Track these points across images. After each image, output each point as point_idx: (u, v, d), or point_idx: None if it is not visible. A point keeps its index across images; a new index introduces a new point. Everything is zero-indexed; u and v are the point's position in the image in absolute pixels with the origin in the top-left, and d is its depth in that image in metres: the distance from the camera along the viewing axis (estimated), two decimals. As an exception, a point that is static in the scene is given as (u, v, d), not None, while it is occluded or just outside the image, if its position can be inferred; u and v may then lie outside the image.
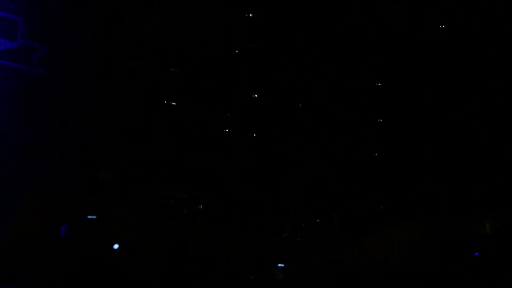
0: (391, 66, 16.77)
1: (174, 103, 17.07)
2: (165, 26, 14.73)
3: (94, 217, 11.30)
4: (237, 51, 16.71)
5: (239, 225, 15.98)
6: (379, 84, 16.88)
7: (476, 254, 13.41)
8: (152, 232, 11.90)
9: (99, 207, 11.72)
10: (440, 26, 15.46)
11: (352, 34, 16.49)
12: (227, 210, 16.88)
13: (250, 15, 16.07)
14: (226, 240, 14.89)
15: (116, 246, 11.17)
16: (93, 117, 13.97)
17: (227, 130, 17.29)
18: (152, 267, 11.18)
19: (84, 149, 13.99)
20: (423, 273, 12.62)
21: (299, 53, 16.61)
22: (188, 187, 17.04)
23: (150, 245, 11.46)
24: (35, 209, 10.96)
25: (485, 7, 14.84)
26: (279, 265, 12.03)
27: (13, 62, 12.60)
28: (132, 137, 15.09)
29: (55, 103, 13.43)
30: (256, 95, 17.25)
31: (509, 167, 14.53)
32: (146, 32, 14.29)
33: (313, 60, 17.02)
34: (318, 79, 17.10)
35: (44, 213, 10.98)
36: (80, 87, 13.86)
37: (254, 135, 17.60)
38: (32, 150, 12.64)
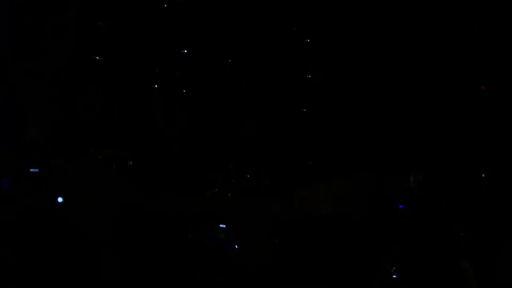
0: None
1: (102, 59, 16.77)
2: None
3: (36, 170, 11.08)
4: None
5: (169, 182, 16.06)
6: (308, 40, 17.08)
7: (401, 206, 14.07)
8: (98, 187, 11.78)
9: (40, 159, 11.49)
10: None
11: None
12: (156, 166, 16.90)
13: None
14: (158, 197, 14.98)
15: (60, 200, 10.99)
16: (21, 72, 13.59)
17: (156, 86, 17.20)
18: (102, 224, 11.12)
19: (8, 107, 13.64)
20: (353, 226, 13.13)
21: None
22: (116, 144, 16.91)
23: (98, 201, 11.35)
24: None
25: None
26: (221, 225, 12.15)
27: None
28: (60, 94, 14.77)
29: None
30: (185, 51, 17.16)
31: (433, 124, 15.16)
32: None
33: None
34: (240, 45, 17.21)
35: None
36: (6, 42, 13.41)
37: (184, 91, 17.58)
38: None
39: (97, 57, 15.72)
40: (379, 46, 16.25)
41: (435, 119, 15.19)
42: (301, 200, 14.35)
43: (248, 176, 17.13)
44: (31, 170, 11.03)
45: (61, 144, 14.48)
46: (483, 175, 14.78)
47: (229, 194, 16.68)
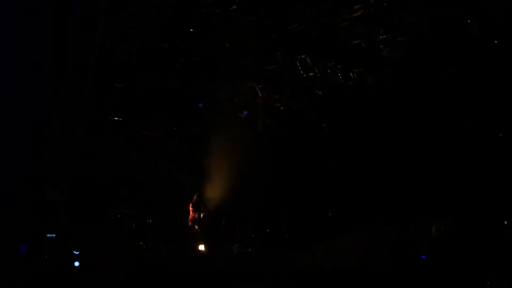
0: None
1: (120, 119, 17.02)
2: (110, 41, 14.58)
3: (53, 235, 11.16)
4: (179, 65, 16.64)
5: (189, 238, 16.02)
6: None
7: (424, 257, 13.90)
8: (111, 248, 11.80)
9: (57, 225, 11.56)
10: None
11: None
12: (177, 224, 16.95)
13: (191, 30, 15.94)
14: (181, 253, 15.02)
15: (77, 264, 11.06)
16: (40, 134, 13.75)
17: (174, 143, 17.47)
18: (114, 284, 11.10)
19: (32, 168, 13.76)
20: (375, 277, 12.94)
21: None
22: (134, 203, 16.98)
23: (110, 261, 11.36)
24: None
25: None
26: None
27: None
28: (79, 154, 14.87)
29: (1, 125, 13.15)
30: (201, 105, 17.34)
31: (452, 174, 15.07)
32: (91, 48, 14.09)
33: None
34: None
35: (2, 233, 10.75)
36: (26, 105, 13.61)
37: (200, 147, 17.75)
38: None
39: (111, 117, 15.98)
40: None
41: (456, 168, 15.09)
42: (322, 253, 14.22)
43: (268, 230, 17.05)
44: (48, 235, 11.13)
45: (80, 205, 14.56)
46: (506, 223, 14.63)
47: (249, 250, 16.59)
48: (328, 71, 16.72)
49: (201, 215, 15.66)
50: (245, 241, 16.86)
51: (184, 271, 12.44)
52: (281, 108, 18.39)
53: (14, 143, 13.41)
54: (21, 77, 13.46)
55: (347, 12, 14.81)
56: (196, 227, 15.71)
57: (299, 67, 16.80)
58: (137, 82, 16.18)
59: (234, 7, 14.43)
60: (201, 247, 15.42)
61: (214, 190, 17.01)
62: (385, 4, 14.39)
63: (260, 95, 17.68)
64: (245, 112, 18.10)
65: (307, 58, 16.51)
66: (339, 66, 16.78)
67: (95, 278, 11.15)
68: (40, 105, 13.98)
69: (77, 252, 11.35)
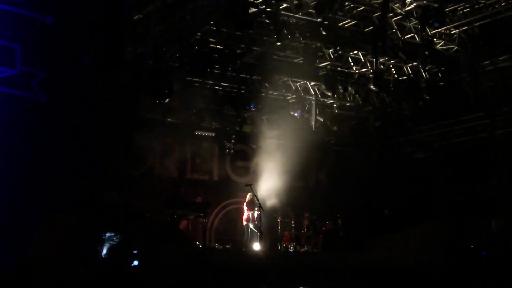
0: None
1: (173, 119, 17.24)
2: (163, 49, 14.73)
3: (112, 234, 11.30)
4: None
5: (244, 237, 16.07)
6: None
7: (484, 253, 13.55)
8: (170, 247, 11.89)
9: (116, 224, 11.70)
10: None
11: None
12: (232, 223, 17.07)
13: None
14: (237, 252, 15.06)
15: (135, 263, 11.16)
16: (95, 139, 13.97)
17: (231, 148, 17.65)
18: (173, 283, 11.16)
19: (88, 171, 13.95)
20: (433, 276, 12.68)
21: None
22: (189, 204, 17.13)
23: (169, 261, 11.43)
24: (56, 229, 10.91)
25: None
26: None
27: (13, 89, 12.51)
28: (134, 155, 15.09)
29: (58, 128, 13.36)
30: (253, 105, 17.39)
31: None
32: (144, 55, 14.24)
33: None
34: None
35: (64, 232, 10.94)
36: (81, 107, 13.82)
37: (254, 147, 17.85)
38: (36, 175, 12.61)
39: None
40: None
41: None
42: (378, 251, 14.01)
43: (323, 228, 16.94)
44: (106, 234, 11.27)
45: (137, 206, 14.76)
46: None
47: (305, 248, 16.53)
48: (381, 66, 16.60)
49: (256, 214, 15.62)
50: (300, 240, 16.83)
51: (240, 270, 12.45)
52: (334, 105, 18.29)
53: (69, 145, 13.62)
54: (76, 80, 13.67)
55: (399, 6, 14.72)
56: (251, 226, 15.72)
57: (351, 64, 16.74)
58: (189, 82, 16.33)
59: (285, 5, 14.41)
60: (256, 246, 15.41)
61: (268, 189, 17.05)
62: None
63: (313, 92, 17.70)
64: (299, 112, 18.06)
65: (359, 54, 16.45)
66: (392, 61, 16.61)
67: (153, 277, 11.25)
68: (95, 107, 14.20)
69: (136, 251, 11.46)
